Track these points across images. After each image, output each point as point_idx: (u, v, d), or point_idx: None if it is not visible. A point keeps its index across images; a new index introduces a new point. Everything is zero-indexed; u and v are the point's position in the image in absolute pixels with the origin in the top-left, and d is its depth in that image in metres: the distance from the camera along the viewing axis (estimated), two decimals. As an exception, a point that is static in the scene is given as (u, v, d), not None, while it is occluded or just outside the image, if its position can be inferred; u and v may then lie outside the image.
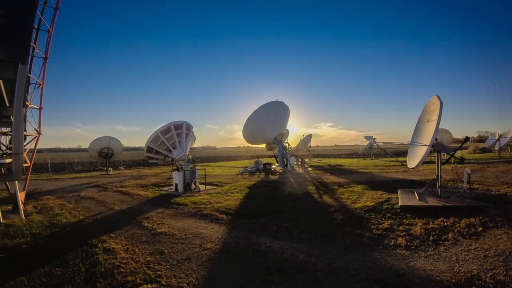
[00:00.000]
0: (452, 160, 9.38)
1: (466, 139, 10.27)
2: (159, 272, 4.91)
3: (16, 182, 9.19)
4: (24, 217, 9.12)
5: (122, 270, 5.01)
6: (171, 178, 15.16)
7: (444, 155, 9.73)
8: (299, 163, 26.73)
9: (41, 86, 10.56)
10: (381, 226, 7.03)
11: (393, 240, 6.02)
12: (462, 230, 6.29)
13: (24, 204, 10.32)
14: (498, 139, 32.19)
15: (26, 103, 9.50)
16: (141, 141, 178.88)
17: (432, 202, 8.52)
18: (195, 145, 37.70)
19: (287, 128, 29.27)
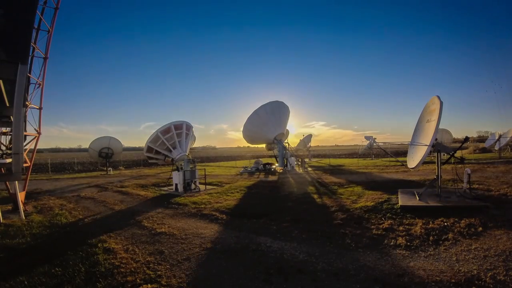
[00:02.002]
0: (452, 160, 9.38)
1: (466, 139, 10.27)
2: (159, 272, 4.91)
3: (16, 182, 9.19)
4: (24, 217, 9.11)
5: (122, 270, 5.01)
6: (171, 178, 15.17)
7: (444, 155, 9.73)
8: (299, 163, 26.73)
9: (41, 86, 10.55)
10: (381, 226, 7.03)
11: (393, 240, 6.02)
12: (462, 230, 6.29)
13: (24, 204, 10.32)
14: (498, 139, 32.19)
15: (26, 103, 9.49)
16: (128, 141, 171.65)
17: (432, 202, 8.52)
18: (195, 145, 37.71)
19: (287, 128, 29.29)
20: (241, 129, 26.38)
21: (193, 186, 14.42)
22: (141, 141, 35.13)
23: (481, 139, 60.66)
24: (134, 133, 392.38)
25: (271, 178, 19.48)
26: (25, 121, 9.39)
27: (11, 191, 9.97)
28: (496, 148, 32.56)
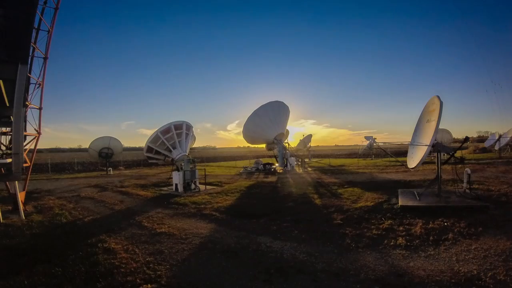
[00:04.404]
0: (452, 160, 9.38)
1: (466, 139, 10.27)
2: (159, 272, 4.91)
3: (16, 182, 9.18)
4: (24, 217, 9.11)
5: (122, 270, 5.01)
6: (171, 178, 15.17)
7: (444, 155, 9.73)
8: (299, 163, 26.72)
9: (41, 86, 10.56)
10: (381, 226, 7.03)
11: (393, 240, 6.02)
12: (462, 230, 6.29)
13: (24, 204, 10.31)
14: (498, 139, 32.22)
15: (26, 103, 9.50)
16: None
17: (432, 202, 8.52)
18: (195, 145, 37.72)
19: (287, 128, 29.29)
20: (227, 127, 26.64)
21: (193, 186, 14.41)
22: (124, 141, 34.11)
23: (481, 139, 60.60)
24: (117, 132, 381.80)
25: (271, 178, 19.49)
26: (25, 121, 9.40)
27: (11, 191, 9.97)
28: (496, 148, 32.61)
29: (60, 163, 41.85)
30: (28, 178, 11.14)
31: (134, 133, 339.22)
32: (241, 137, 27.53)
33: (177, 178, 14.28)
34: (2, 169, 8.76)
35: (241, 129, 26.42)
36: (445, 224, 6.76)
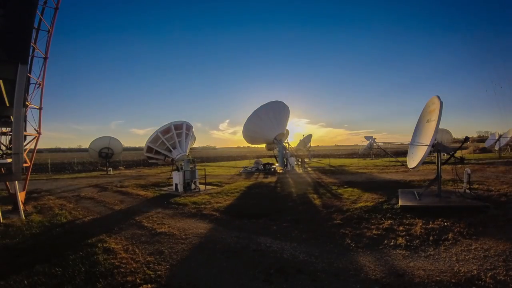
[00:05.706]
0: (452, 160, 9.38)
1: (466, 139, 10.26)
2: (159, 272, 4.91)
3: (16, 182, 9.19)
4: (24, 217, 9.11)
5: (122, 270, 5.01)
6: (171, 178, 15.17)
7: (444, 155, 9.73)
8: (299, 163, 26.72)
9: (41, 86, 10.56)
10: (381, 226, 7.03)
11: (393, 240, 6.02)
12: (462, 230, 6.29)
13: (24, 204, 10.31)
14: (498, 139, 32.23)
15: (26, 103, 9.50)
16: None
17: (432, 202, 8.52)
18: (195, 145, 37.70)
19: (287, 128, 29.29)
20: (219, 127, 26.60)
21: (193, 186, 14.41)
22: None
23: (481, 139, 60.58)
24: (107, 132, 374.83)
25: (271, 178, 19.48)
26: (25, 121, 9.40)
27: (11, 191, 9.97)
28: (496, 148, 32.61)
29: (60, 163, 41.84)
30: (28, 178, 11.14)
31: (126, 132, 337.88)
32: (236, 137, 27.83)
33: (177, 178, 14.28)
34: (2, 169, 8.75)
35: (234, 128, 26.68)
36: (445, 224, 6.76)
